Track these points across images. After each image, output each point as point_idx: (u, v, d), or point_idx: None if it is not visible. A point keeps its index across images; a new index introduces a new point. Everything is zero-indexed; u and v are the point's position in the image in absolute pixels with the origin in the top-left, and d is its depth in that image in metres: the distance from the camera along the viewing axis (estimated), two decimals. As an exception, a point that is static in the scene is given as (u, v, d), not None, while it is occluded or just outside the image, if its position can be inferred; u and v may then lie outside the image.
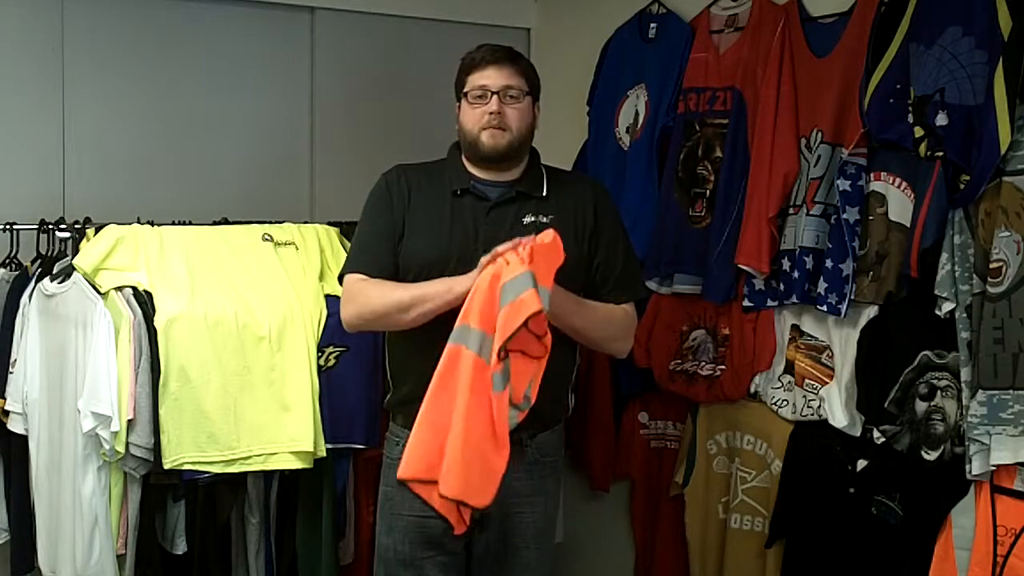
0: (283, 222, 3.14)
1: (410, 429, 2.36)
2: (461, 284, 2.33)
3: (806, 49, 2.90)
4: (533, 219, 2.48)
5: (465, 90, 2.49)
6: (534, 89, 2.53)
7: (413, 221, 2.50)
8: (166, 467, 2.72)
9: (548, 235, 2.28)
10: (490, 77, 2.46)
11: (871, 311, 2.70)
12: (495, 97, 2.45)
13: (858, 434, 2.72)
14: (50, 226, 3.05)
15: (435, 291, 2.38)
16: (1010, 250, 2.34)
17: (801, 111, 2.88)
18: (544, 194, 2.53)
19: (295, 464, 2.85)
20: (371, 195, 2.58)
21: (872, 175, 2.70)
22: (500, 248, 2.27)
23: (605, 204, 2.60)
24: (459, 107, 2.52)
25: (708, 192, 3.13)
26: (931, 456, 2.55)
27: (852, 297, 2.71)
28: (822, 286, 2.74)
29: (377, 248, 2.52)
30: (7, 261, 3.13)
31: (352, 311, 2.52)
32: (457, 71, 2.53)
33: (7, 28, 3.35)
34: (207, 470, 2.77)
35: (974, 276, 2.43)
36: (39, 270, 2.99)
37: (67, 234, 2.98)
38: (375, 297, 2.46)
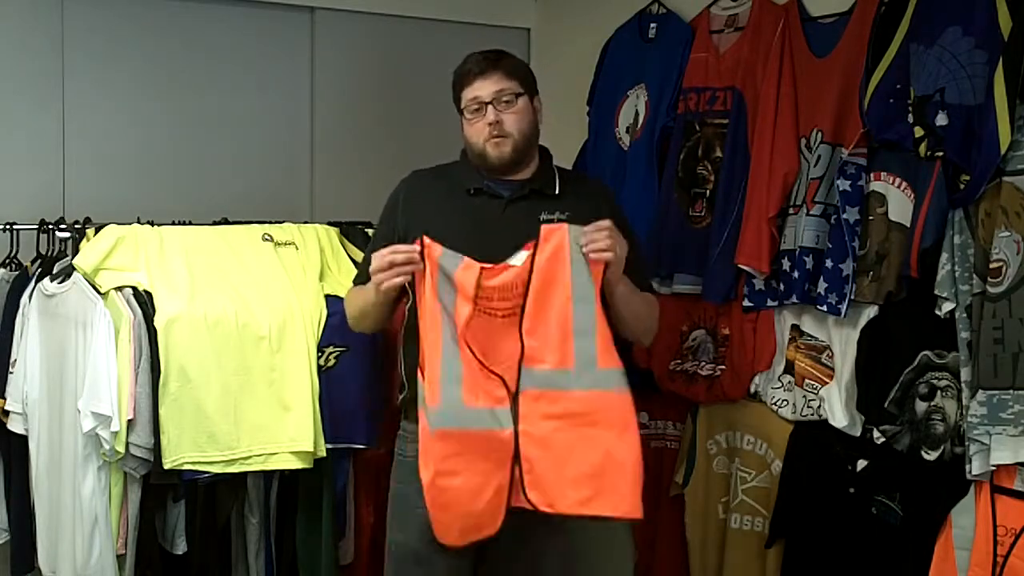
0: (283, 222, 3.14)
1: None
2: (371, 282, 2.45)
3: (806, 49, 2.90)
4: (550, 216, 2.50)
5: (461, 106, 2.53)
6: (528, 86, 2.54)
7: (421, 223, 2.51)
8: (166, 467, 2.72)
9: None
10: (480, 88, 2.49)
11: (871, 311, 2.69)
12: (490, 107, 2.48)
13: (858, 434, 2.72)
14: (50, 226, 3.05)
15: (364, 299, 2.54)
16: (1010, 250, 2.33)
17: (801, 111, 2.88)
18: (557, 192, 2.55)
19: (295, 464, 2.85)
20: (385, 203, 2.64)
21: (872, 175, 2.70)
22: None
23: (616, 204, 2.68)
24: (461, 122, 2.56)
25: (708, 192, 3.13)
26: (931, 456, 2.55)
27: (852, 297, 2.70)
28: (822, 286, 2.74)
29: (366, 260, 2.62)
30: (7, 261, 3.14)
31: (348, 322, 2.71)
32: (451, 88, 2.56)
33: (7, 27, 3.35)
34: (207, 470, 2.77)
35: (974, 276, 2.43)
36: (39, 270, 2.99)
37: (67, 234, 2.98)
38: (347, 304, 2.67)
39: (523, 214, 2.50)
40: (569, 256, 2.34)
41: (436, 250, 2.34)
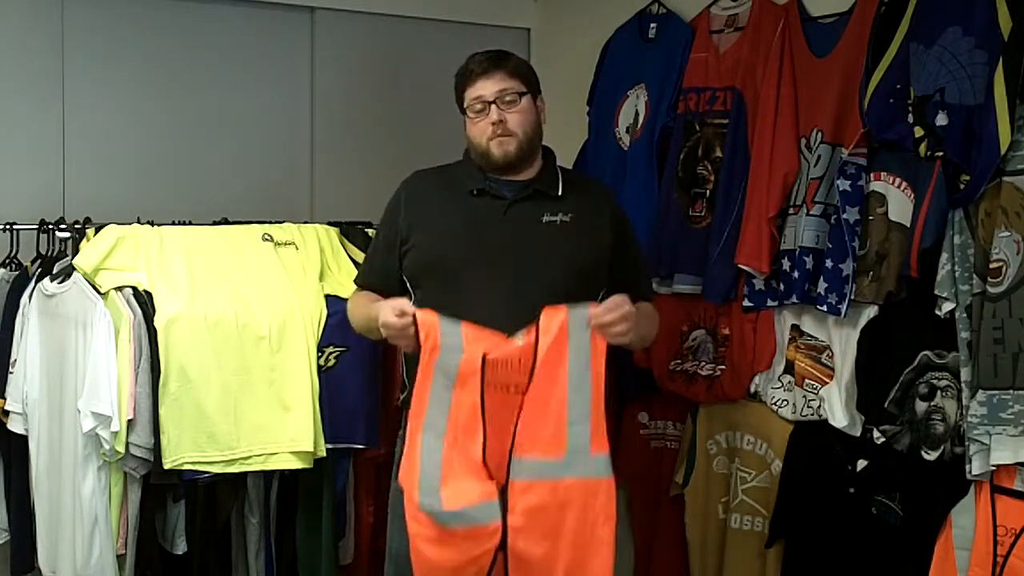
0: (283, 222, 3.15)
1: None
2: (374, 318, 2.41)
3: (806, 49, 2.90)
4: (553, 218, 2.50)
5: (464, 106, 2.53)
6: (531, 86, 2.54)
7: (423, 224, 2.52)
8: (166, 467, 2.72)
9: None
10: (483, 87, 2.48)
11: (871, 311, 2.69)
12: (493, 106, 2.47)
13: (858, 434, 2.72)
14: (50, 226, 3.05)
15: (366, 325, 2.53)
16: (1010, 250, 2.33)
17: (801, 111, 2.88)
18: (560, 194, 2.54)
19: (295, 464, 2.85)
20: (388, 202, 2.64)
21: (872, 175, 2.70)
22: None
23: (619, 209, 2.66)
24: (464, 122, 2.56)
25: (708, 192, 3.13)
26: (931, 456, 2.55)
27: (852, 297, 2.70)
28: (822, 286, 2.74)
29: (372, 260, 2.68)
30: (7, 261, 3.14)
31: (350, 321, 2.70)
32: (454, 88, 2.55)
33: (7, 27, 3.35)
34: (207, 470, 2.77)
35: (974, 276, 2.43)
36: (39, 270, 2.99)
37: (67, 234, 2.98)
38: (351, 314, 2.66)
39: (525, 215, 2.50)
40: (568, 343, 2.30)
41: (435, 335, 2.30)
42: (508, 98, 2.48)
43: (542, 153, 2.58)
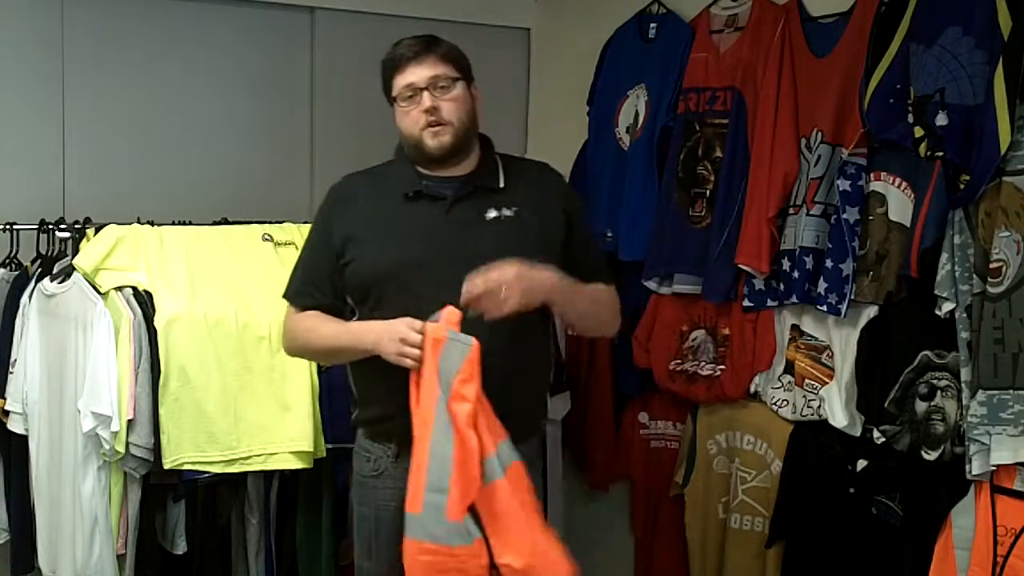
0: (283, 222, 3.15)
1: (378, 443, 2.36)
2: (368, 336, 2.28)
3: (806, 49, 2.90)
4: (496, 214, 2.35)
5: (393, 94, 2.36)
6: (464, 71, 2.37)
7: (360, 233, 2.37)
8: (166, 467, 2.72)
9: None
10: (413, 74, 2.31)
11: (871, 311, 2.70)
12: (425, 93, 2.31)
13: (858, 434, 2.72)
14: (50, 226, 3.05)
15: (346, 344, 2.35)
16: (1010, 250, 2.34)
17: (801, 111, 2.88)
18: (502, 185, 2.39)
19: (295, 464, 2.86)
20: (316, 213, 2.51)
21: (872, 175, 2.70)
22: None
23: (570, 193, 2.55)
24: (394, 112, 2.40)
25: (708, 192, 3.13)
26: (931, 456, 2.55)
27: (852, 297, 2.71)
28: (822, 286, 2.74)
29: (303, 277, 2.47)
30: (7, 261, 3.14)
31: (286, 345, 2.54)
32: (381, 75, 2.40)
33: (7, 28, 3.35)
34: (207, 470, 2.77)
35: (974, 276, 2.43)
36: (39, 270, 2.99)
37: (67, 234, 2.99)
38: (301, 340, 2.46)
39: (468, 214, 2.34)
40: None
41: (441, 331, 2.18)
42: (441, 84, 2.31)
43: (480, 144, 2.42)
